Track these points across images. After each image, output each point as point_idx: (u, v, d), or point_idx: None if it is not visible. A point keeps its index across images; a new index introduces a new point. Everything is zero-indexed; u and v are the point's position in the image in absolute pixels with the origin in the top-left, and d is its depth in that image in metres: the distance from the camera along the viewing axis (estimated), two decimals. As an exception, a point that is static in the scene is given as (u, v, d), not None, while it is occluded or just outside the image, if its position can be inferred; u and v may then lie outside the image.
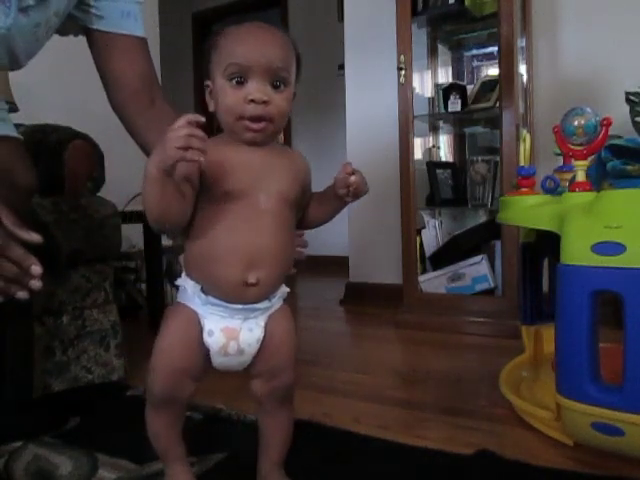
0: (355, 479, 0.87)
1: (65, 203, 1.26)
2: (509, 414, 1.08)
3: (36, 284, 0.73)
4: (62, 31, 1.01)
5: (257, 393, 0.76)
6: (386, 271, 2.29)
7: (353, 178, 0.72)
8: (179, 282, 0.74)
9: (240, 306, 0.71)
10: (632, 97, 1.65)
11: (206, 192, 0.70)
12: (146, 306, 2.13)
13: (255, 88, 0.68)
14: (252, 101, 0.68)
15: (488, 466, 0.87)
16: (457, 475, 0.86)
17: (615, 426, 0.80)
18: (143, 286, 2.22)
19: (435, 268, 2.04)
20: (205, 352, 0.71)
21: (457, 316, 1.86)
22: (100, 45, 0.99)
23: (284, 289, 0.78)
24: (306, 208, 0.80)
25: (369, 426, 1.05)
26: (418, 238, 2.02)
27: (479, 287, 1.92)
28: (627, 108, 1.65)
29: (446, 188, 2.12)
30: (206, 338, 0.71)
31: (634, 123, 1.63)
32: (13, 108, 1.82)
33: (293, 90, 0.74)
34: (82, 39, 1.02)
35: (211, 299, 0.71)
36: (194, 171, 0.68)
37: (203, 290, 0.72)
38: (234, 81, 0.69)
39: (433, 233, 2.12)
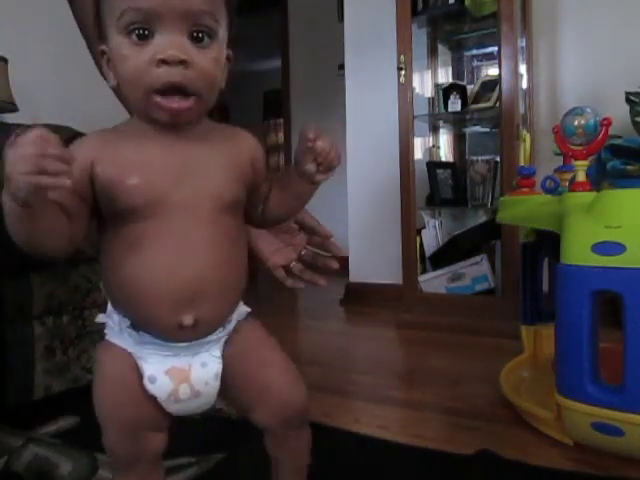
0: (355, 479, 0.87)
1: (65, 203, 1.26)
2: (509, 414, 1.07)
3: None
4: None
5: (264, 424, 0.61)
6: (386, 271, 2.29)
7: (320, 143, 0.51)
8: (101, 318, 0.57)
9: (184, 343, 0.55)
10: (632, 97, 1.65)
11: (107, 207, 0.51)
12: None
13: (167, 42, 0.47)
14: (163, 62, 0.47)
15: (488, 466, 0.87)
16: (457, 475, 0.86)
17: (615, 426, 0.80)
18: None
19: (435, 268, 2.04)
20: (154, 397, 0.56)
21: (457, 316, 1.86)
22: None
23: (242, 309, 0.61)
24: (266, 200, 0.61)
25: (369, 426, 1.05)
26: (418, 238, 2.02)
27: (479, 287, 1.92)
28: (627, 108, 1.65)
29: (446, 188, 2.12)
30: (148, 386, 0.54)
31: (634, 123, 1.63)
32: (13, 108, 1.83)
33: (225, 49, 0.53)
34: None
35: (145, 337, 0.54)
36: (81, 180, 0.49)
37: (134, 326, 0.55)
38: (134, 35, 0.48)
39: (433, 233, 2.12)
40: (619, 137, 1.09)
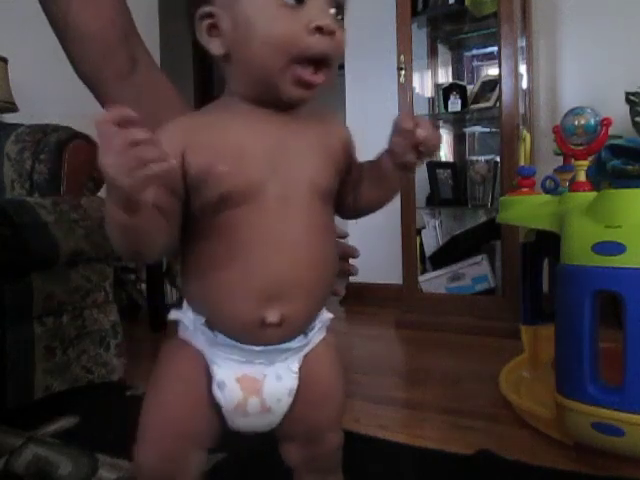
0: (355, 479, 0.87)
1: (65, 203, 1.26)
2: (509, 414, 1.07)
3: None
4: None
5: (290, 461, 0.57)
6: (386, 271, 2.28)
7: (422, 132, 0.47)
8: (174, 315, 0.53)
9: (260, 347, 0.50)
10: (632, 97, 1.65)
11: (197, 195, 0.47)
12: (146, 306, 2.13)
13: (320, 10, 0.45)
14: (318, 30, 0.44)
15: (488, 466, 0.87)
16: (457, 475, 0.86)
17: (615, 426, 0.80)
18: (143, 286, 2.22)
19: (435, 268, 2.04)
20: (218, 409, 0.51)
21: (457, 316, 1.86)
22: None
23: (326, 315, 0.55)
24: (356, 189, 0.56)
25: (369, 426, 1.05)
26: (418, 238, 2.02)
27: (479, 287, 1.92)
28: (627, 108, 1.65)
29: (446, 188, 2.12)
30: (215, 391, 0.50)
31: (634, 123, 1.63)
32: (13, 108, 1.83)
33: None
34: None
35: (220, 337, 0.50)
36: (173, 176, 0.45)
37: (208, 324, 0.50)
38: None
39: (433, 233, 2.12)
40: (619, 137, 1.09)
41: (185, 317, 0.52)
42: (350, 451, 0.94)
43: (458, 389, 1.27)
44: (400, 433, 1.02)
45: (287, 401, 0.52)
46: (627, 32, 1.85)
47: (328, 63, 0.47)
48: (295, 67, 0.45)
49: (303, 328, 0.52)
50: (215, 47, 0.47)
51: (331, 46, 0.45)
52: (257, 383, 0.50)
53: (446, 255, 2.03)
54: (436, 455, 0.92)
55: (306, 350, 0.53)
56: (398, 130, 0.48)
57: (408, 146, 0.48)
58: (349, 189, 0.56)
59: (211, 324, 0.50)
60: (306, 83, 0.46)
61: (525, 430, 1.01)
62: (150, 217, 0.42)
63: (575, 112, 0.98)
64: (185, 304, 0.53)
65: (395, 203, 2.02)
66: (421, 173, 2.07)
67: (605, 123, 0.94)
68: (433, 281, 1.99)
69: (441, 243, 2.11)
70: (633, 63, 1.81)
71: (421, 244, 2.06)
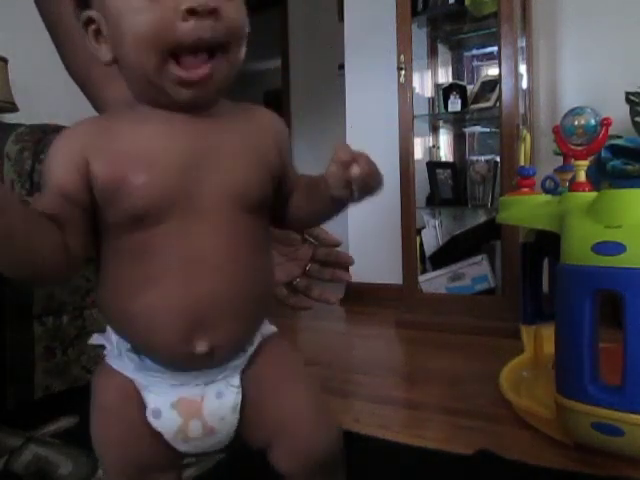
0: (355, 479, 0.87)
1: (65, 203, 1.26)
2: (509, 414, 1.07)
3: None
4: None
5: (283, 470, 0.50)
6: (386, 271, 2.29)
7: (356, 170, 0.40)
8: (97, 339, 0.49)
9: (196, 372, 0.47)
10: (632, 97, 1.65)
11: (109, 213, 0.42)
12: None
13: None
14: (192, 13, 0.37)
15: (488, 466, 0.87)
16: (457, 475, 0.86)
17: (615, 426, 0.80)
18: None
19: (435, 268, 2.04)
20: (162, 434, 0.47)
21: (457, 316, 1.86)
22: None
23: (267, 328, 0.52)
24: (288, 198, 0.51)
25: (369, 426, 1.05)
26: (418, 238, 2.02)
27: (479, 287, 1.93)
28: (627, 108, 1.65)
29: (446, 188, 2.12)
30: (151, 420, 0.46)
31: (634, 123, 1.63)
32: (13, 108, 1.83)
33: None
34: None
35: (148, 362, 0.46)
36: (74, 182, 0.41)
37: (135, 349, 0.46)
38: None
39: (433, 233, 2.13)
40: (619, 137, 1.09)
41: (109, 342, 0.48)
42: (350, 451, 0.95)
43: (458, 389, 1.27)
44: (400, 433, 1.02)
45: (232, 418, 0.48)
46: (627, 32, 1.85)
47: (223, 48, 0.40)
48: (172, 63, 0.39)
49: (239, 349, 0.48)
50: (103, 54, 0.42)
51: (216, 28, 0.38)
52: (196, 404, 0.46)
53: (446, 255, 2.03)
54: (436, 455, 0.92)
55: (246, 360, 0.49)
56: (334, 160, 0.41)
57: (342, 180, 0.41)
58: (279, 196, 0.50)
59: (136, 349, 0.46)
60: (189, 82, 0.40)
61: (525, 430, 1.01)
62: (25, 222, 0.36)
63: (575, 112, 0.98)
64: (108, 328, 0.49)
65: (395, 203, 2.02)
66: (421, 173, 2.08)
67: (605, 123, 0.94)
68: (433, 281, 1.99)
69: (441, 243, 2.11)
70: (633, 63, 1.81)
71: (421, 244, 2.06)
